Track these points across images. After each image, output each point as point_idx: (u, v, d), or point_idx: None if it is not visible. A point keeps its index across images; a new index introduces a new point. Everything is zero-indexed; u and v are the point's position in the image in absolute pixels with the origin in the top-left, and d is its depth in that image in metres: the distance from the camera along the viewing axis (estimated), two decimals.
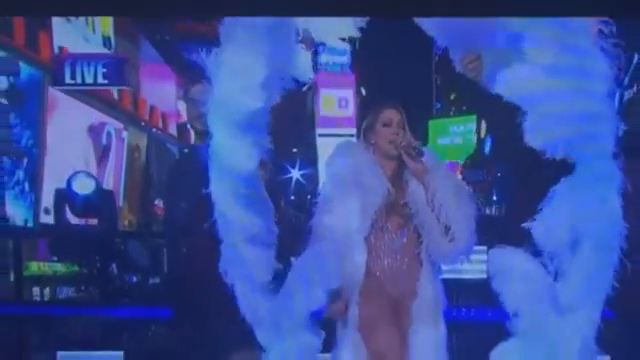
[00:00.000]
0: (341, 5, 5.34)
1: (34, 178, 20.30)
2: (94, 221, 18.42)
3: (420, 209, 4.98)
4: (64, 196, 19.73)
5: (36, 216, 20.72)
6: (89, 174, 23.07)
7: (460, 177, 13.82)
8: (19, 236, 17.92)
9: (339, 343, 5.46)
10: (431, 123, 28.82)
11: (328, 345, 5.62)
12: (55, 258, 19.82)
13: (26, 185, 19.66)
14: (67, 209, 18.02)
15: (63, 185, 17.60)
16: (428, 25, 5.66)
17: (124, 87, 21.20)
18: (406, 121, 5.10)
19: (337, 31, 5.86)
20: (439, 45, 5.78)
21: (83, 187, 19.33)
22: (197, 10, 6.43)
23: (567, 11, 5.00)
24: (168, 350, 5.75)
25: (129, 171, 28.19)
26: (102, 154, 25.77)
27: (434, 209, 4.93)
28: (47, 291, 18.73)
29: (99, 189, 20.40)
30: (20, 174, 19.20)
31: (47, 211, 21.67)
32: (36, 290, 18.47)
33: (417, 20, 5.61)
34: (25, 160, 19.20)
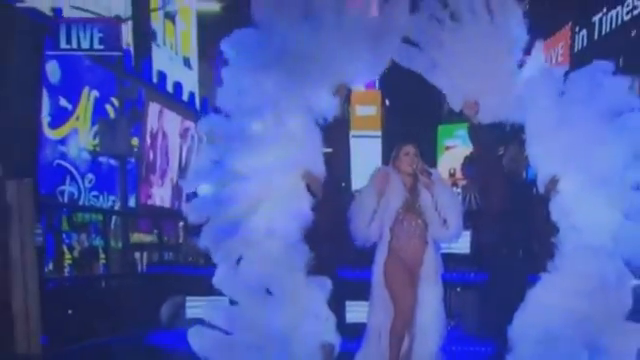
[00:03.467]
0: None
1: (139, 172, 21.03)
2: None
3: (427, 209, 5.88)
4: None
5: (137, 199, 21.80)
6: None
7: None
8: (127, 214, 18.80)
9: (373, 296, 5.93)
10: (440, 128, 29.11)
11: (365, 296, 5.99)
12: (156, 231, 20.28)
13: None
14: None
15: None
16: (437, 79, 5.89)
17: (118, 53, 17.39)
18: (419, 152, 5.99)
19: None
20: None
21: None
22: None
23: None
24: None
25: None
26: (188, 150, 26.60)
27: (436, 209, 5.85)
28: (145, 255, 19.34)
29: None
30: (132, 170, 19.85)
31: (150, 196, 22.84)
32: (137, 254, 19.19)
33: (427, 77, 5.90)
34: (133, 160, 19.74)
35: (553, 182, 5.37)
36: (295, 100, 5.49)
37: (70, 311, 6.19)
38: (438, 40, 5.56)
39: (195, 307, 7.24)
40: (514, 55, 5.65)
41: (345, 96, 6.00)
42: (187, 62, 27.97)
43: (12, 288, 5.12)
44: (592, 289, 4.96)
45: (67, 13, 16.80)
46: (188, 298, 7.35)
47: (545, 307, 5.21)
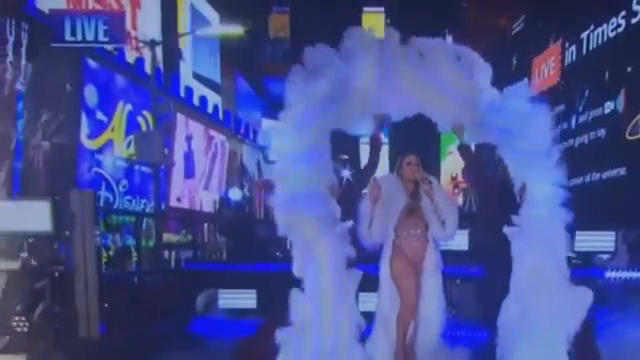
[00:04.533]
0: None
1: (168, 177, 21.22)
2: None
3: (427, 211, 6.11)
4: (224, 199, 22.13)
5: (167, 202, 22.11)
6: (239, 188, 25.46)
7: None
8: (159, 216, 18.85)
9: (381, 288, 5.98)
10: (443, 134, 29.39)
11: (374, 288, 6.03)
12: (184, 231, 20.55)
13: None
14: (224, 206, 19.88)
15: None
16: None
17: (123, 45, 16.57)
18: (420, 161, 6.21)
19: None
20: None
21: (234, 195, 22.08)
22: None
23: None
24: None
25: (229, 168, 29.16)
26: (212, 157, 27.28)
27: (435, 211, 6.14)
28: (173, 254, 19.76)
29: (244, 197, 23.00)
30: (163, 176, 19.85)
31: (179, 200, 23.42)
32: (166, 253, 19.56)
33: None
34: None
35: (522, 189, 5.63)
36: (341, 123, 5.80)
37: (122, 302, 6.51)
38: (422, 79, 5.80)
39: (226, 298, 7.70)
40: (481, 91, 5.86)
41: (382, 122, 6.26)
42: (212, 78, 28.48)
43: (75, 282, 5.59)
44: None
45: None
46: (220, 290, 7.73)
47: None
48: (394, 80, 5.71)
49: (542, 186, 5.31)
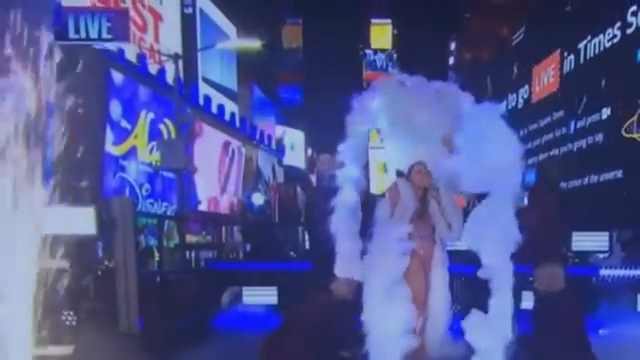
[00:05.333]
0: None
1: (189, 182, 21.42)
2: None
3: (435, 215, 6.39)
4: (247, 203, 22.50)
5: (187, 206, 22.18)
6: (261, 194, 25.90)
7: None
8: (181, 218, 19.01)
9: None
10: None
11: None
12: (204, 232, 20.93)
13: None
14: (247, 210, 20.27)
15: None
16: None
17: (126, 42, 15.62)
18: (428, 169, 6.55)
19: None
20: None
21: (257, 199, 22.50)
22: None
23: None
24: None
25: (246, 173, 29.47)
26: (229, 162, 27.50)
27: (442, 214, 6.41)
28: (193, 254, 19.96)
29: (265, 201, 23.37)
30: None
31: (200, 203, 23.73)
32: (188, 253, 19.72)
33: None
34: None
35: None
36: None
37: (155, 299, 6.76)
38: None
39: (249, 295, 7.99)
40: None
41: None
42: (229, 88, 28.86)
43: (116, 280, 5.88)
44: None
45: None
46: (244, 288, 8.02)
47: None
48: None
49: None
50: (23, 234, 4.60)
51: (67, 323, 5.50)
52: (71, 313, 5.50)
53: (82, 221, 5.20)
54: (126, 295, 5.82)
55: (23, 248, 4.58)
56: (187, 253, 18.67)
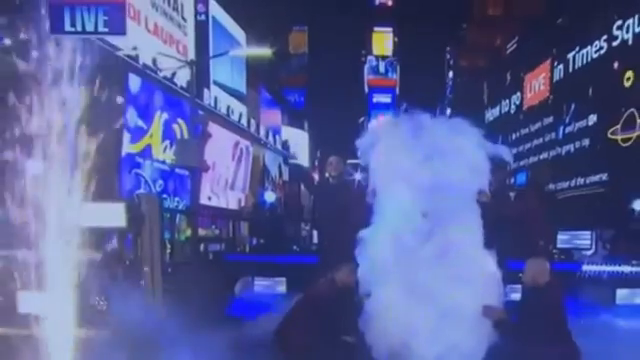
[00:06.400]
0: None
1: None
2: None
3: None
4: (260, 201, 22.87)
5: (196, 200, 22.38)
6: (273, 191, 26.31)
7: None
8: (193, 212, 19.17)
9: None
10: None
11: None
12: (213, 226, 21.20)
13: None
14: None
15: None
16: None
17: (122, 35, 14.49)
18: None
19: None
20: None
21: (269, 197, 23.00)
22: None
23: None
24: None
25: (253, 170, 29.63)
26: (238, 160, 27.72)
27: None
28: (202, 246, 20.14)
29: (276, 198, 23.83)
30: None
31: (209, 198, 23.99)
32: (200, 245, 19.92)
33: None
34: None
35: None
36: None
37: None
38: None
39: (261, 285, 8.25)
40: None
41: None
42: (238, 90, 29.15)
43: (143, 269, 6.15)
44: None
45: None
46: (256, 278, 8.29)
47: None
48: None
49: None
50: (62, 227, 4.88)
51: (99, 308, 5.76)
52: (103, 298, 5.76)
53: (114, 215, 5.45)
54: (152, 281, 6.08)
55: (62, 240, 4.85)
56: (199, 245, 19.13)
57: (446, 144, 5.66)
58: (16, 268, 5.12)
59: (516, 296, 5.98)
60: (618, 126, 19.09)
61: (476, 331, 5.31)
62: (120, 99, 17.79)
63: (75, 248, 5.10)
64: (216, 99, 24.26)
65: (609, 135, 19.65)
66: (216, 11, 26.01)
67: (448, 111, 55.01)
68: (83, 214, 5.19)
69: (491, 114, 32.73)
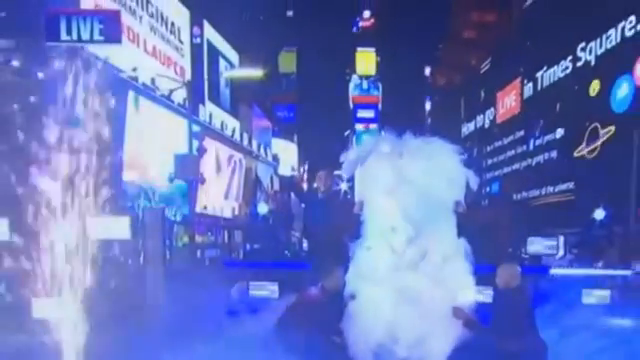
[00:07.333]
0: None
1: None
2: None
3: None
4: (252, 213, 22.97)
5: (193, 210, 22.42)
6: (265, 203, 26.40)
7: None
8: (189, 221, 18.87)
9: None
10: None
11: None
12: (209, 233, 21.16)
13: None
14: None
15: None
16: None
17: (117, 44, 16.40)
18: None
19: None
20: None
21: (262, 209, 23.15)
22: None
23: None
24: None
25: (245, 181, 29.43)
26: (232, 172, 27.68)
27: None
28: (199, 252, 20.19)
29: (269, 210, 23.82)
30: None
31: (205, 207, 23.97)
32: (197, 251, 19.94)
33: None
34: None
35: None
36: None
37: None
38: None
39: (257, 290, 8.28)
40: None
41: None
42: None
43: (146, 271, 6.24)
44: None
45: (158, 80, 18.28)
46: (251, 283, 8.33)
47: None
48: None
49: None
50: (72, 238, 4.96)
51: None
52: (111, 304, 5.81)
53: (119, 228, 5.50)
54: (154, 281, 6.18)
55: (72, 250, 4.93)
56: (196, 251, 19.16)
57: (425, 161, 5.75)
58: (30, 274, 5.18)
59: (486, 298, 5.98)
60: (583, 144, 19.36)
61: (448, 330, 5.42)
62: (123, 114, 17.83)
63: (85, 258, 5.18)
64: (211, 115, 24.34)
65: (575, 154, 19.93)
66: (210, 35, 26.23)
67: (428, 123, 55.54)
68: (90, 226, 5.27)
69: (467, 128, 33.08)
